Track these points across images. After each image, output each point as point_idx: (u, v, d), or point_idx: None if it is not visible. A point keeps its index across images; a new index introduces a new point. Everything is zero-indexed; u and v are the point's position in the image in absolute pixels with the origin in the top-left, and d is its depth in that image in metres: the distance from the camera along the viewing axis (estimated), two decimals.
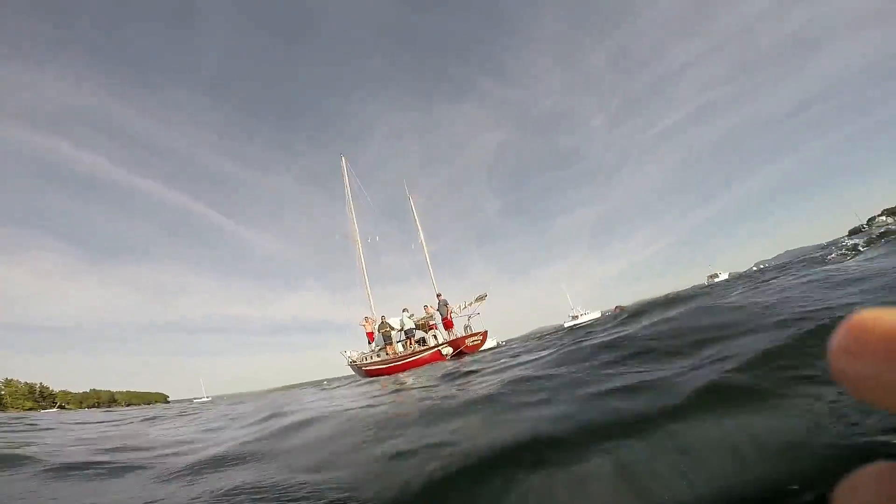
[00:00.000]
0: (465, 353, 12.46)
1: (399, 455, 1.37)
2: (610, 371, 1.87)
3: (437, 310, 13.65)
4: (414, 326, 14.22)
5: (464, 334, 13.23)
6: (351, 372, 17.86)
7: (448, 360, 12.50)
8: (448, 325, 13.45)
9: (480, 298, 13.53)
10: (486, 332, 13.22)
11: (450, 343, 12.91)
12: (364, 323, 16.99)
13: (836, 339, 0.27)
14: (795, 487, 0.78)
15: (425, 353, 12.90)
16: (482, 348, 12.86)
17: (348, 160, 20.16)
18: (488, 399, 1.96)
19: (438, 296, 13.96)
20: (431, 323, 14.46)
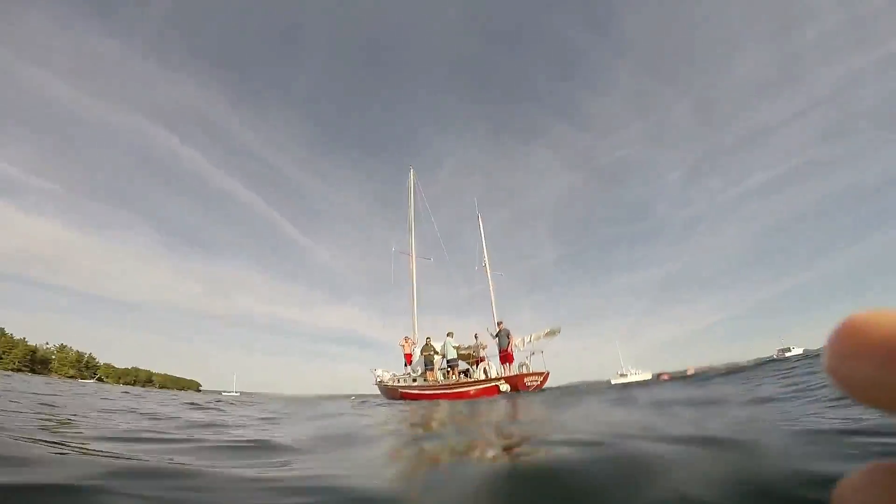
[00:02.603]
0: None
1: None
2: None
3: (497, 338, 11.84)
4: (456, 356, 12.57)
5: (519, 372, 11.36)
6: (377, 391, 16.29)
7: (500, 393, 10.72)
8: (508, 358, 11.59)
9: (552, 333, 11.51)
10: (547, 373, 11.25)
11: (506, 379, 11.05)
12: (404, 342, 15.53)
13: (832, 341, 0.26)
14: (795, 488, 0.77)
15: (478, 386, 11.03)
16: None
17: (417, 176, 19.43)
18: None
19: (499, 324, 12.19)
20: (479, 356, 12.74)
